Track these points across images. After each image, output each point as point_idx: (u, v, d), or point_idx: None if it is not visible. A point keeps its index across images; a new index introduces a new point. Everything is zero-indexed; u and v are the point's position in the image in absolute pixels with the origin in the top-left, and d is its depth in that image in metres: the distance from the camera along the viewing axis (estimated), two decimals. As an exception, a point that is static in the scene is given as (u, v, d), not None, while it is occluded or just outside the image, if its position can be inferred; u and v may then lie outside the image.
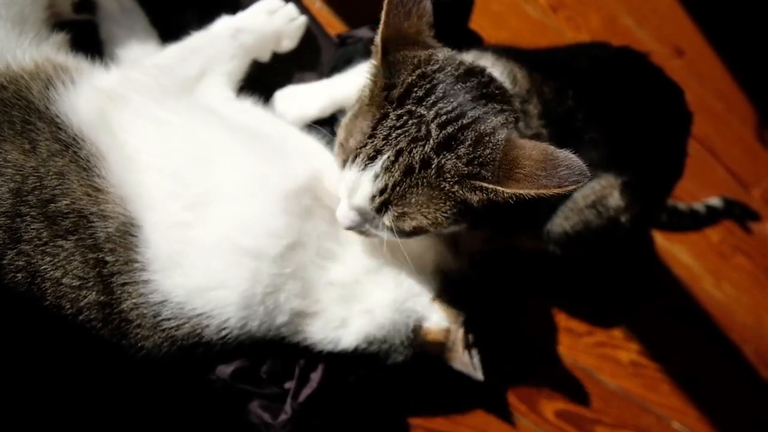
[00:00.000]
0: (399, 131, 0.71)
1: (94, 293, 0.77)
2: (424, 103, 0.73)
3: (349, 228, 0.81)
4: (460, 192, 0.71)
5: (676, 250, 1.73)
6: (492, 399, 1.34)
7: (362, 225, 0.80)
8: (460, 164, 0.71)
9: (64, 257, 0.76)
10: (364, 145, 0.73)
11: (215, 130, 0.87)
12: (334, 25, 1.31)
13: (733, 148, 1.97)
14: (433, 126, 0.72)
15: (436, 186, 0.72)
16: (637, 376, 1.56)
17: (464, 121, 0.72)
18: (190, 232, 0.81)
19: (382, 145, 0.72)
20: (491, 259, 1.31)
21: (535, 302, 1.47)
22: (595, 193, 1.10)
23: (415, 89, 0.73)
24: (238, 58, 1.00)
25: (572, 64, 1.15)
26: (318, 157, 0.94)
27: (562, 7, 1.71)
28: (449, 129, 0.72)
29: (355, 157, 0.73)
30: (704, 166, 1.89)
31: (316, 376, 0.96)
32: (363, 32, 1.24)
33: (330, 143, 0.95)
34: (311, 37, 1.18)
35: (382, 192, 0.73)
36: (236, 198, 0.83)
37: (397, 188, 0.72)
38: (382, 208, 0.74)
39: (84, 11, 1.02)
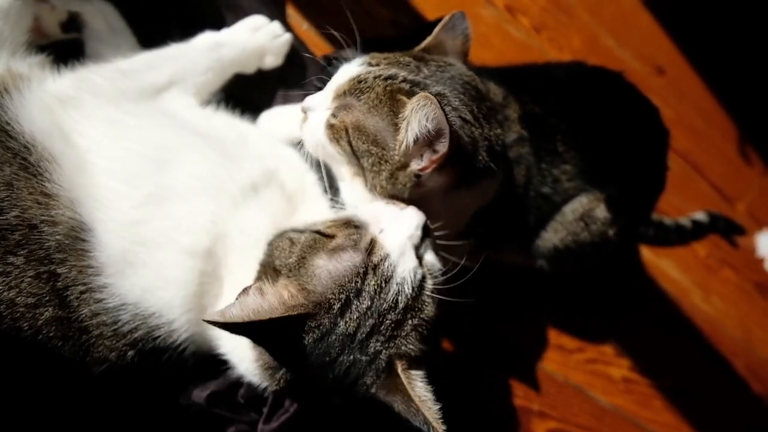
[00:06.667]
0: (400, 65, 0.90)
1: (50, 309, 0.75)
2: (429, 69, 0.91)
3: (304, 107, 0.93)
4: (388, 102, 0.86)
5: (663, 264, 1.74)
6: (484, 419, 1.33)
7: (315, 108, 0.92)
8: (404, 87, 0.87)
9: (16, 275, 0.74)
10: (375, 61, 0.92)
11: (170, 133, 0.88)
12: (320, 47, 1.33)
13: (715, 163, 2.00)
14: (422, 74, 0.90)
15: (380, 96, 0.86)
16: (629, 393, 1.56)
17: (435, 87, 0.89)
18: (140, 230, 0.80)
19: (383, 62, 0.91)
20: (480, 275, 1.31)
21: (525, 319, 1.47)
22: (582, 206, 1.11)
23: (431, 62, 0.93)
24: (214, 71, 1.00)
25: (550, 75, 1.21)
26: (275, 157, 0.96)
27: (545, 28, 1.75)
28: (426, 81, 0.89)
29: (362, 60, 0.93)
30: (688, 181, 1.92)
31: (290, 402, 0.92)
32: (349, 54, 1.25)
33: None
34: (297, 56, 1.19)
35: (352, 79, 0.89)
36: (181, 197, 0.82)
37: (367, 81, 0.87)
38: (345, 93, 0.89)
39: (71, 30, 1.03)
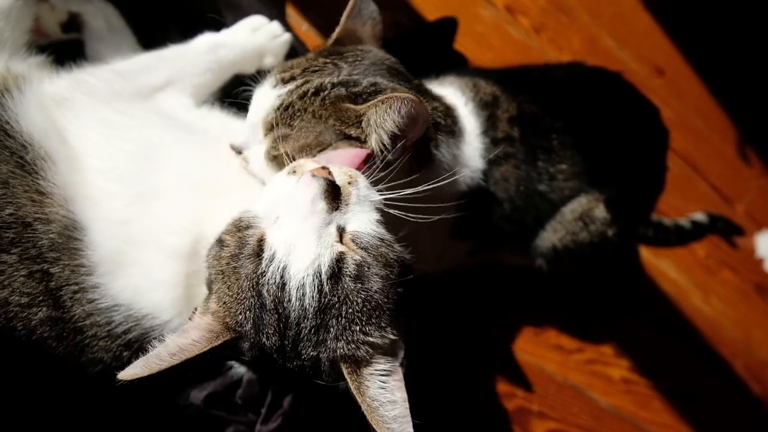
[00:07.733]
0: (318, 71, 0.86)
1: (44, 309, 0.75)
2: (348, 63, 0.88)
3: (235, 147, 0.88)
4: (332, 114, 0.81)
5: (663, 265, 1.74)
6: (484, 419, 1.33)
7: (246, 146, 0.88)
8: (342, 93, 0.83)
9: (9, 274, 0.74)
10: (288, 75, 0.87)
11: (162, 133, 0.87)
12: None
13: (714, 164, 2.00)
14: (344, 70, 0.86)
15: (318, 113, 0.81)
16: (628, 393, 1.56)
17: (366, 78, 0.87)
18: (129, 229, 0.79)
19: (299, 75, 0.86)
20: (477, 275, 1.31)
21: (524, 320, 1.47)
22: (581, 206, 1.12)
23: (347, 54, 0.90)
24: (212, 72, 0.99)
25: (548, 75, 1.21)
26: None
27: (545, 29, 1.75)
28: (354, 77, 0.86)
29: (273, 79, 0.87)
30: (688, 181, 1.92)
31: (288, 401, 0.92)
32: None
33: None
34: (297, 56, 1.19)
35: (277, 108, 0.83)
36: (167, 197, 0.82)
37: (294, 105, 0.82)
38: (271, 127, 0.84)
39: (71, 30, 1.03)
